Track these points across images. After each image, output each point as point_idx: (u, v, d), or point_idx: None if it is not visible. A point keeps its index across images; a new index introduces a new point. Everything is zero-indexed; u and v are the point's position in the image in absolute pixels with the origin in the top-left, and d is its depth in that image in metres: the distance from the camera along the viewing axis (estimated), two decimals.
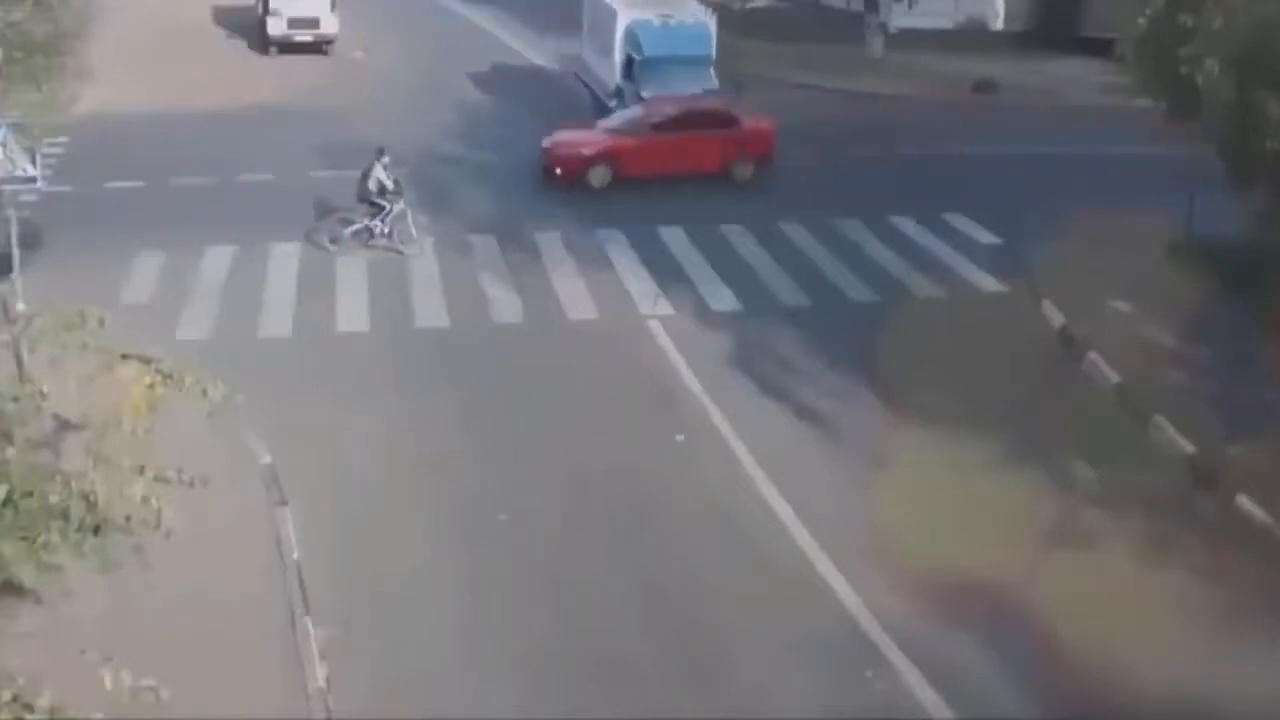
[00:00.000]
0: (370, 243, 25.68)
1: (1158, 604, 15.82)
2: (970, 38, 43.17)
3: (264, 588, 15.78)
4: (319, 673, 14.44)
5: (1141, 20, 23.65)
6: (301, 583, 15.88)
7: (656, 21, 33.15)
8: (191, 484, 11.71)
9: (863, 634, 15.46)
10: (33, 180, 21.17)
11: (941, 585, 15.64)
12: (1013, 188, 28.87)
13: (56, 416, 12.11)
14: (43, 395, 11.04)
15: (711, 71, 32.70)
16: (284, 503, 17.49)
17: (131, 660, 9.37)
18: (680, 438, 19.69)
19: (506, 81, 37.88)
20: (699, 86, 31.75)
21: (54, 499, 10.33)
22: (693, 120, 29.84)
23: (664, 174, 28.76)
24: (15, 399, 10.97)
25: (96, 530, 10.59)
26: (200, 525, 12.51)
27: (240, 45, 40.87)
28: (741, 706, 14.35)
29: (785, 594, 16.16)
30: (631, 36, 33.03)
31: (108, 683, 9.14)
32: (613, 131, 30.12)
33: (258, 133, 31.41)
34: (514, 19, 44.62)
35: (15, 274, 21.01)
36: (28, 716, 9.03)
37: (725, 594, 16.10)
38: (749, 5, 43.98)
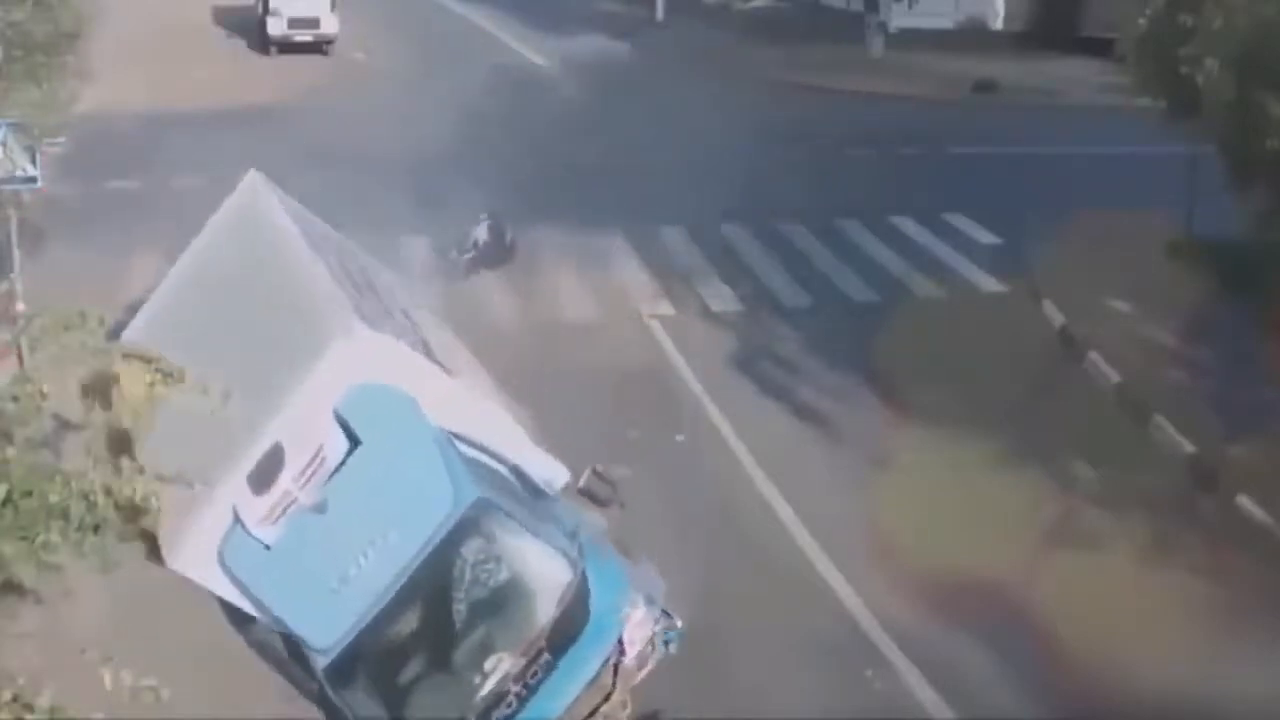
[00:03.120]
0: None
1: (1158, 604, 15.81)
2: (970, 38, 43.18)
3: None
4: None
5: (1141, 20, 23.62)
6: None
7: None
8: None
9: (863, 634, 15.45)
10: (33, 180, 21.14)
11: (942, 585, 15.63)
12: (1013, 188, 28.85)
13: (56, 416, 12.07)
14: (43, 395, 10.99)
15: None
16: None
17: (131, 660, 9.36)
18: (680, 438, 19.69)
19: (507, 81, 37.86)
20: None
21: (54, 499, 10.28)
22: None
23: None
24: (15, 399, 10.92)
25: (96, 530, 10.55)
26: None
27: (240, 45, 40.89)
28: (741, 706, 14.33)
29: (785, 594, 16.15)
30: None
31: (108, 683, 9.12)
32: None
33: (258, 133, 31.35)
34: (514, 19, 44.63)
35: (15, 274, 20.98)
36: (28, 716, 9.00)
37: (725, 594, 16.09)
38: (749, 5, 43.99)
